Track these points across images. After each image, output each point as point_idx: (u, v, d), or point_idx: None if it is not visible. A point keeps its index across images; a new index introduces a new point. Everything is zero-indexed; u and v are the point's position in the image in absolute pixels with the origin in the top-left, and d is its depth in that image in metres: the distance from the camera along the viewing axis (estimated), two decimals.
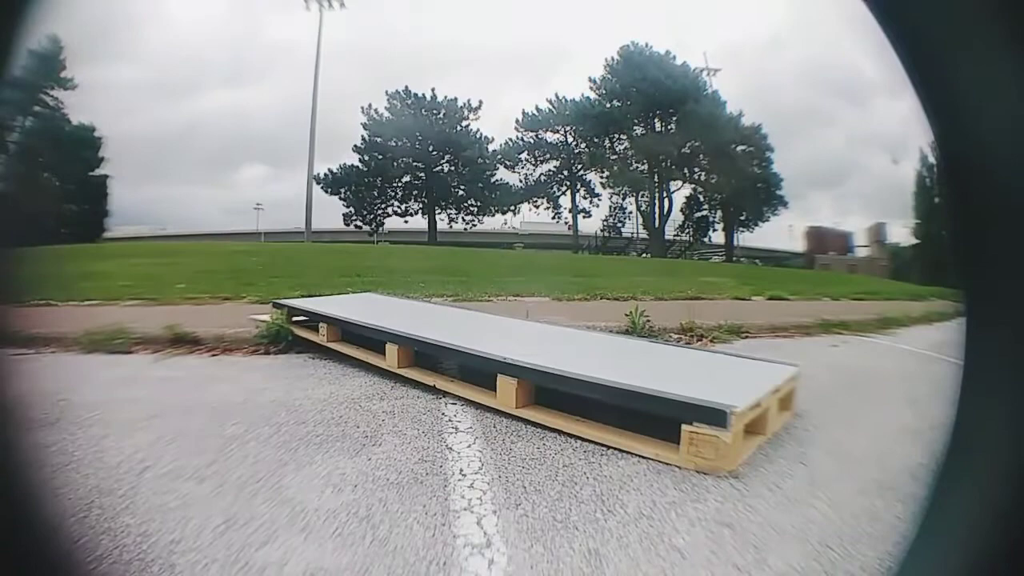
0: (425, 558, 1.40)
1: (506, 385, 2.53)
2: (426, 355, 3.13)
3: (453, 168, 33.02)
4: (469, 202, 33.33)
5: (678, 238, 32.64)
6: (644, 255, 31.10)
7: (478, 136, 32.95)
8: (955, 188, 0.64)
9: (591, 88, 32.82)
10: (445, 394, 2.83)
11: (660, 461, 2.05)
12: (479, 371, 2.76)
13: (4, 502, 0.66)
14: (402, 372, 3.07)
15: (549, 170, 33.74)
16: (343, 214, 32.23)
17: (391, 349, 3.13)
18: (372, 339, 3.35)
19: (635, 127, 32.56)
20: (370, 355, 3.33)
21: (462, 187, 33.17)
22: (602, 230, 33.25)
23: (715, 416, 1.97)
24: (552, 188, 33.64)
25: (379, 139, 32.00)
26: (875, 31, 0.59)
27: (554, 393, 2.49)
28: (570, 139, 33.52)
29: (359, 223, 32.22)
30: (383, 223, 32.69)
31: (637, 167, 32.58)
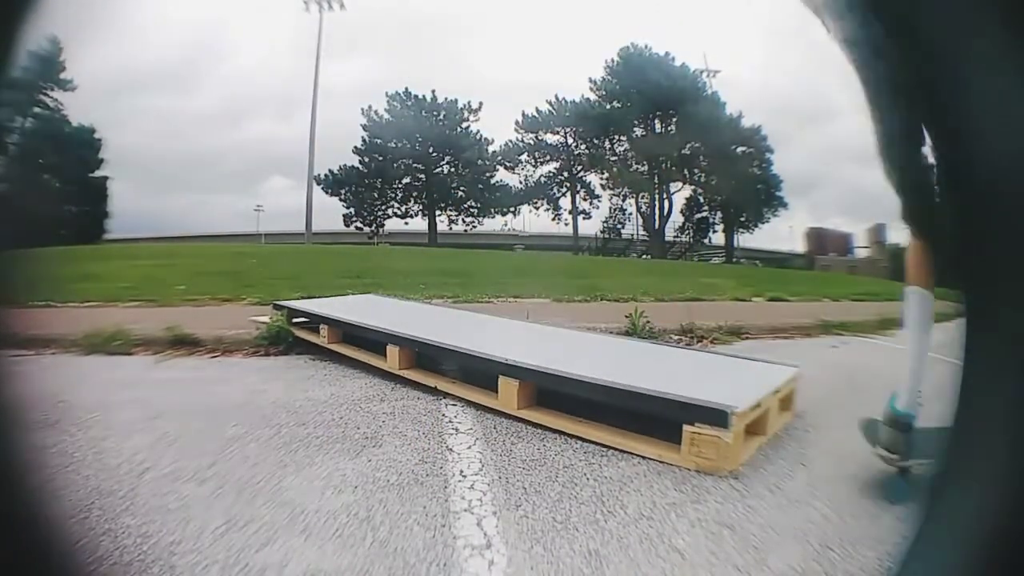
0: (425, 559, 1.40)
1: (507, 386, 2.53)
2: (427, 356, 3.12)
3: (453, 169, 33.01)
4: (469, 203, 33.31)
5: (678, 239, 32.62)
6: (644, 256, 31.09)
7: (478, 137, 32.95)
8: (955, 188, 0.64)
9: (591, 89, 32.83)
10: (446, 395, 2.83)
11: (662, 461, 2.05)
12: (480, 372, 2.76)
13: (4, 503, 0.66)
14: (403, 373, 3.07)
15: (549, 171, 33.74)
16: (343, 215, 32.21)
17: (392, 351, 3.13)
18: (373, 340, 3.35)
19: (635, 128, 32.56)
20: (371, 356, 3.33)
21: (462, 188, 33.15)
22: (602, 231, 33.25)
23: (716, 416, 1.97)
24: (552, 189, 33.63)
25: (379, 140, 31.99)
26: (874, 31, 0.59)
27: (555, 394, 2.49)
28: (570, 140, 33.51)
29: (359, 224, 32.21)
30: (383, 224, 32.68)
31: (637, 168, 32.58)
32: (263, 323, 4.06)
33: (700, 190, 31.90)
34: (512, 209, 33.71)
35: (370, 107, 32.04)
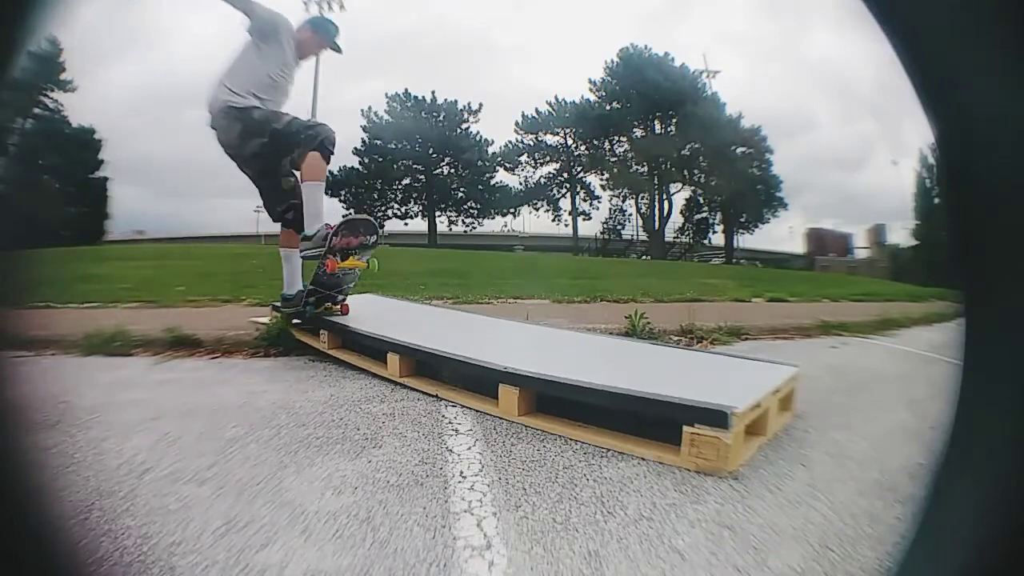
0: (425, 560, 1.40)
1: (508, 394, 2.53)
2: (428, 364, 3.09)
3: (453, 170, 33.04)
4: (469, 204, 33.34)
5: (678, 240, 32.66)
6: (644, 257, 31.11)
7: (478, 138, 32.98)
8: (955, 188, 0.64)
9: (590, 90, 32.88)
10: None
11: (662, 463, 2.05)
12: (481, 380, 2.74)
13: (4, 504, 0.66)
14: (404, 381, 3.04)
15: (549, 172, 33.77)
16: (343, 216, 32.26)
17: (392, 359, 3.10)
18: (373, 348, 3.33)
19: (635, 129, 32.59)
20: (371, 363, 3.31)
21: (462, 189, 33.19)
22: (602, 232, 33.27)
23: (716, 417, 1.97)
24: (552, 190, 33.66)
25: (379, 141, 32.00)
26: (874, 30, 0.59)
27: (556, 400, 2.48)
28: (570, 141, 33.54)
29: None
30: (383, 225, 32.69)
31: (637, 169, 32.62)
32: (263, 324, 4.06)
33: (700, 191, 31.95)
34: (512, 210, 33.77)
35: (370, 108, 32.06)
